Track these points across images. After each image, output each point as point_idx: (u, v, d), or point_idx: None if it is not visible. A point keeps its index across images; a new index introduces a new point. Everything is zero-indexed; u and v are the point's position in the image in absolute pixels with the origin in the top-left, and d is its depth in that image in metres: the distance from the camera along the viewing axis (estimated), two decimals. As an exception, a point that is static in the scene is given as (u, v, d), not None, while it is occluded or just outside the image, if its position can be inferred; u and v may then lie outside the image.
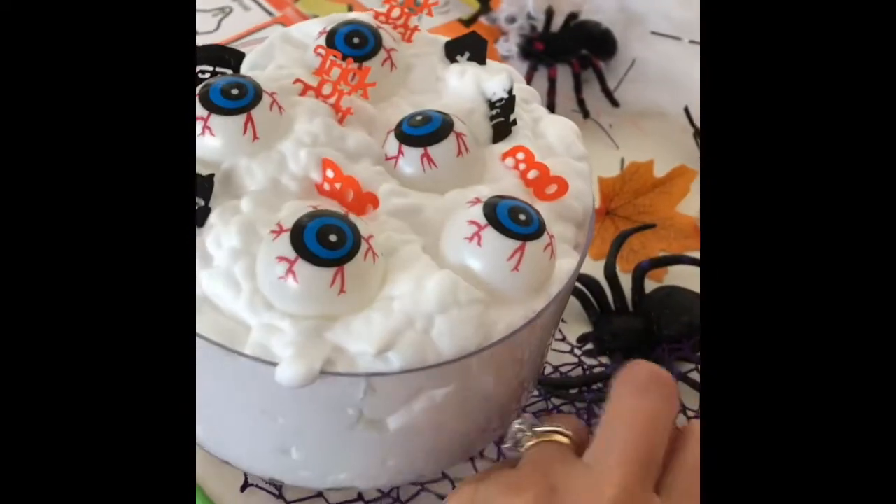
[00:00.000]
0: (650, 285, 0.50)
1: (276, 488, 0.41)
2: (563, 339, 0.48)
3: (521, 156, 0.35)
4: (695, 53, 0.58)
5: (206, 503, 0.40)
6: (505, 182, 0.34)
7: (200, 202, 0.31)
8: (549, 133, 0.36)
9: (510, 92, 0.36)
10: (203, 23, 0.63)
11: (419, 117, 0.34)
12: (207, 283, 0.30)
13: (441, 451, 0.36)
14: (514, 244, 0.30)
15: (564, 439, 0.32)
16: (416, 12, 0.39)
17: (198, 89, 0.34)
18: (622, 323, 0.48)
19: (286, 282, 0.29)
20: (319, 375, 0.28)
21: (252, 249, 0.30)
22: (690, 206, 0.55)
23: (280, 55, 0.38)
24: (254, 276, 0.30)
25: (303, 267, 0.29)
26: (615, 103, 0.61)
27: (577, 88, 0.60)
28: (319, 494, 0.41)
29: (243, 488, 0.41)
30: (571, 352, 0.47)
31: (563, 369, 0.47)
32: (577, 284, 0.47)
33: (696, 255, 0.50)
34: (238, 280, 0.30)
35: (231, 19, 0.63)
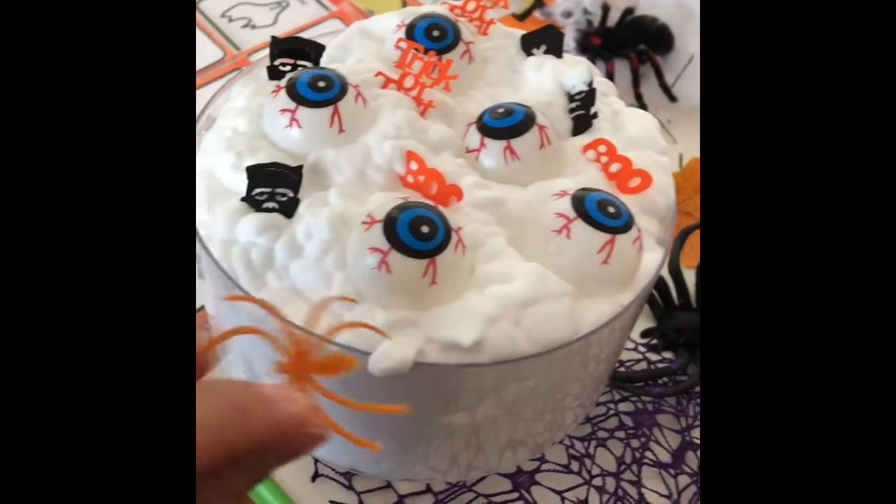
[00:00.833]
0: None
1: (346, 478, 0.41)
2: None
3: (602, 148, 0.35)
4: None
5: (276, 493, 0.40)
6: (587, 175, 0.34)
7: (289, 193, 0.31)
8: (630, 126, 0.36)
9: (590, 84, 0.36)
10: (261, 16, 0.63)
11: (501, 110, 0.34)
12: (297, 274, 0.30)
13: (516, 444, 0.36)
14: (603, 237, 0.30)
15: None
16: (492, 5, 0.39)
17: (283, 81, 0.34)
18: (686, 318, 0.48)
19: (379, 272, 0.29)
20: (413, 365, 0.29)
21: (342, 241, 0.30)
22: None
23: (357, 49, 0.38)
24: (345, 266, 0.30)
25: (396, 258, 0.29)
26: (673, 98, 0.60)
27: (635, 83, 0.60)
28: (388, 485, 0.41)
29: (314, 478, 0.41)
30: (636, 348, 0.47)
31: (627, 364, 0.46)
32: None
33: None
34: (330, 271, 0.30)
35: (288, 13, 0.64)
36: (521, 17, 0.67)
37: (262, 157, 0.33)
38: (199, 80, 0.58)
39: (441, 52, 0.36)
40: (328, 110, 0.33)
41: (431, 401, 0.31)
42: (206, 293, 0.35)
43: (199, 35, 0.62)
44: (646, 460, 0.43)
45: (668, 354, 0.47)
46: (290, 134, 0.33)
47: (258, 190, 0.31)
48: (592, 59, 0.60)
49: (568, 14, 0.63)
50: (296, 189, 0.31)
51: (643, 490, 0.42)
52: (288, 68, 0.37)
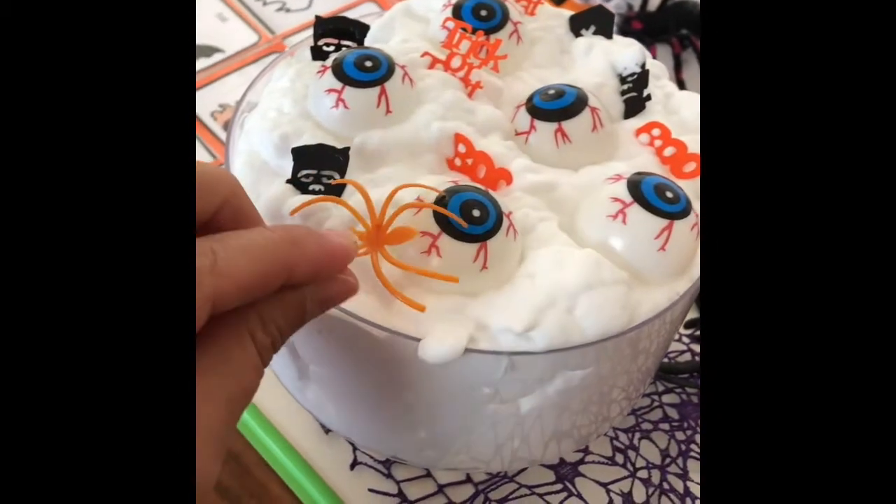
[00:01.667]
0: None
1: (385, 467, 0.41)
2: (671, 325, 0.47)
3: (656, 132, 0.33)
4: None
5: (315, 481, 0.40)
6: (640, 159, 0.33)
7: (335, 175, 0.31)
8: (683, 109, 0.35)
9: (643, 66, 0.35)
10: (295, 0, 0.63)
11: (552, 91, 0.33)
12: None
13: (562, 436, 0.35)
14: (661, 222, 0.29)
15: None
16: (540, -15, 0.38)
17: (329, 61, 0.33)
18: (732, 309, 0.46)
19: (429, 257, 0.28)
20: (464, 352, 0.28)
21: (390, 224, 0.30)
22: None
23: (401, 29, 0.37)
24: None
25: (446, 242, 0.28)
26: (716, 84, 0.59)
27: (677, 68, 0.58)
28: (428, 474, 0.40)
29: (352, 466, 0.41)
30: (680, 339, 0.46)
31: (672, 355, 0.45)
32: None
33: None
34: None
35: (323, -4, 0.63)
36: (559, 0, 0.66)
37: (308, 139, 0.32)
38: (233, 64, 0.58)
39: (489, 31, 0.36)
40: (375, 91, 0.32)
41: (479, 388, 0.30)
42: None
43: (233, 19, 0.61)
44: (691, 453, 0.42)
45: (712, 345, 0.46)
46: (336, 115, 0.32)
47: (304, 172, 0.31)
48: (634, 44, 0.59)
49: (608, -2, 0.62)
50: (342, 171, 0.31)
51: (688, 483, 0.41)
52: (332, 49, 0.36)
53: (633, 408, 0.42)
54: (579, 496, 0.40)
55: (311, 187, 0.31)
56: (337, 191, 0.31)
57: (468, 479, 0.40)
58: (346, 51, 0.34)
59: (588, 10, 0.38)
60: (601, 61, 0.36)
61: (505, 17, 0.36)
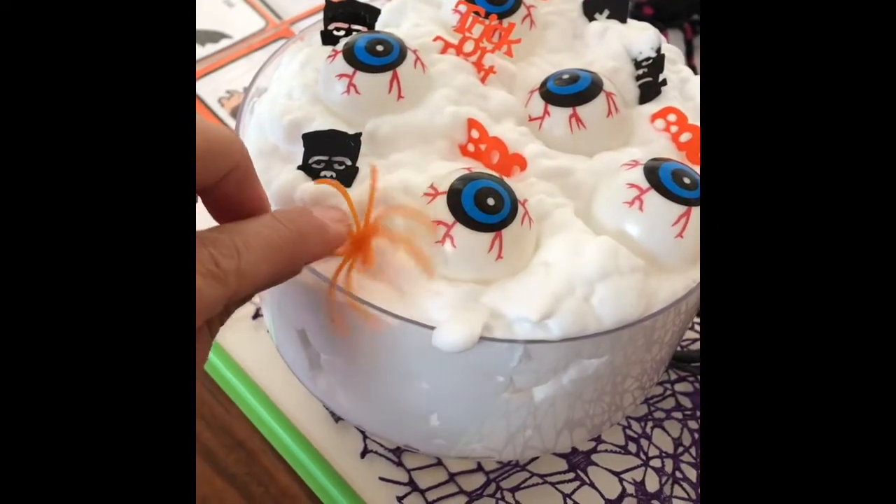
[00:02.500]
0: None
1: (396, 455, 0.40)
2: (683, 313, 0.46)
3: (672, 117, 0.33)
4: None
5: (326, 470, 0.39)
6: (656, 144, 0.33)
7: (347, 161, 0.30)
8: (700, 95, 0.35)
9: (658, 50, 0.34)
10: (303, -16, 0.62)
11: (566, 76, 0.33)
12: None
13: (575, 425, 0.35)
14: (679, 209, 0.29)
15: None
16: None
17: (340, 46, 0.33)
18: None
19: (443, 246, 0.28)
20: (478, 341, 0.27)
21: (404, 211, 0.29)
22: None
23: (413, 13, 0.37)
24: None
25: (460, 231, 0.28)
26: (728, 69, 0.58)
27: (689, 54, 0.58)
28: (439, 462, 0.40)
29: (363, 454, 0.40)
30: (692, 327, 0.46)
31: (684, 343, 0.45)
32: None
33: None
34: (390, 242, 0.29)
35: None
36: (569, -15, 0.65)
37: (319, 124, 0.31)
38: (241, 50, 0.57)
39: (502, 15, 0.35)
40: (387, 75, 0.32)
41: (492, 377, 0.30)
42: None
43: (240, 4, 0.61)
44: (704, 442, 0.41)
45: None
46: (348, 100, 0.32)
47: (315, 158, 0.30)
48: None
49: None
50: (354, 157, 0.30)
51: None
52: (342, 33, 0.35)
53: (645, 397, 0.42)
54: (592, 485, 0.39)
55: (322, 173, 0.30)
56: (350, 175, 0.30)
57: (479, 468, 0.40)
58: (357, 35, 0.33)
59: (602, -6, 0.37)
60: (616, 45, 0.36)
61: (518, 1, 0.35)
